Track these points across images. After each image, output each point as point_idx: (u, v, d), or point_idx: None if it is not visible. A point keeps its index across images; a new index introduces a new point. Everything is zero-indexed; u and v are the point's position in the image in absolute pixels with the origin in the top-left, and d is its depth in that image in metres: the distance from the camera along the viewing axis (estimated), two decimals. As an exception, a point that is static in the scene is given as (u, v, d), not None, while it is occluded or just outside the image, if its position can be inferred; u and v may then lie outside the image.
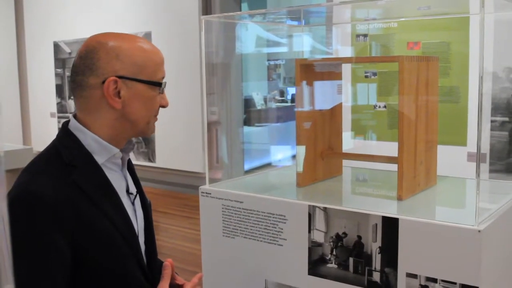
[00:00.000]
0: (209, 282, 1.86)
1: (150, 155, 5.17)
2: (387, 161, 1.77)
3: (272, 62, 8.21)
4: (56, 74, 6.02)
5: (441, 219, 1.42)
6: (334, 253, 1.57)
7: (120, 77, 1.23)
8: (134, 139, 1.39)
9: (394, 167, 1.69)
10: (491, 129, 2.79)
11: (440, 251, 1.39)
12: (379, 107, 3.15)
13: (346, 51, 3.36)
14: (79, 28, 5.61)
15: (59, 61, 5.98)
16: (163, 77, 1.31)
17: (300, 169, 1.89)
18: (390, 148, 1.74)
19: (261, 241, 1.72)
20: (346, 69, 3.09)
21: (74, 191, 1.19)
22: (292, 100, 7.70)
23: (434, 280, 1.40)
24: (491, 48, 2.61)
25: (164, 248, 3.48)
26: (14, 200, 1.13)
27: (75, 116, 1.29)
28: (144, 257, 1.35)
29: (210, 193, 1.85)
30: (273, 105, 7.87)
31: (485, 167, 2.78)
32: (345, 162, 2.12)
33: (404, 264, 1.44)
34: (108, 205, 1.24)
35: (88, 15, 5.51)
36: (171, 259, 1.35)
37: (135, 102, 1.26)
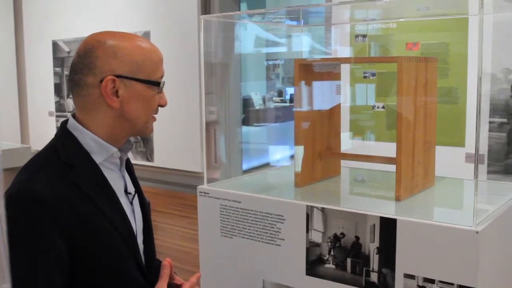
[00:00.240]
0: (207, 282, 1.85)
1: (148, 155, 5.17)
2: (385, 162, 1.77)
3: (271, 62, 8.20)
4: (55, 73, 6.01)
5: (439, 220, 1.43)
6: (332, 253, 1.57)
7: (118, 76, 1.22)
8: (132, 139, 1.39)
9: (392, 167, 1.69)
10: (489, 130, 2.79)
11: (438, 252, 1.39)
12: (378, 107, 3.15)
13: (345, 52, 3.36)
14: (78, 27, 5.60)
15: (58, 60, 5.97)
16: (162, 76, 1.30)
17: (298, 169, 1.89)
18: (389, 149, 1.74)
19: (259, 241, 1.72)
20: (345, 69, 3.09)
21: (72, 190, 1.18)
22: (291, 100, 7.70)
23: (432, 281, 1.40)
24: (489, 49, 2.62)
25: (162, 247, 3.47)
26: (12, 199, 1.13)
27: (74, 115, 1.29)
28: (142, 257, 1.35)
29: (208, 193, 1.85)
30: (272, 105, 7.86)
31: (483, 168, 2.78)
32: (343, 163, 2.12)
33: (402, 265, 1.44)
34: (106, 204, 1.24)
35: (87, 14, 5.51)
36: (170, 259, 1.35)
37: (134, 101, 1.26)
